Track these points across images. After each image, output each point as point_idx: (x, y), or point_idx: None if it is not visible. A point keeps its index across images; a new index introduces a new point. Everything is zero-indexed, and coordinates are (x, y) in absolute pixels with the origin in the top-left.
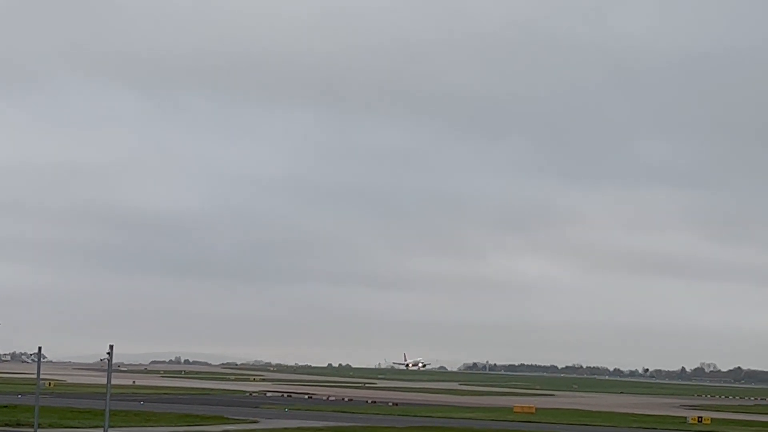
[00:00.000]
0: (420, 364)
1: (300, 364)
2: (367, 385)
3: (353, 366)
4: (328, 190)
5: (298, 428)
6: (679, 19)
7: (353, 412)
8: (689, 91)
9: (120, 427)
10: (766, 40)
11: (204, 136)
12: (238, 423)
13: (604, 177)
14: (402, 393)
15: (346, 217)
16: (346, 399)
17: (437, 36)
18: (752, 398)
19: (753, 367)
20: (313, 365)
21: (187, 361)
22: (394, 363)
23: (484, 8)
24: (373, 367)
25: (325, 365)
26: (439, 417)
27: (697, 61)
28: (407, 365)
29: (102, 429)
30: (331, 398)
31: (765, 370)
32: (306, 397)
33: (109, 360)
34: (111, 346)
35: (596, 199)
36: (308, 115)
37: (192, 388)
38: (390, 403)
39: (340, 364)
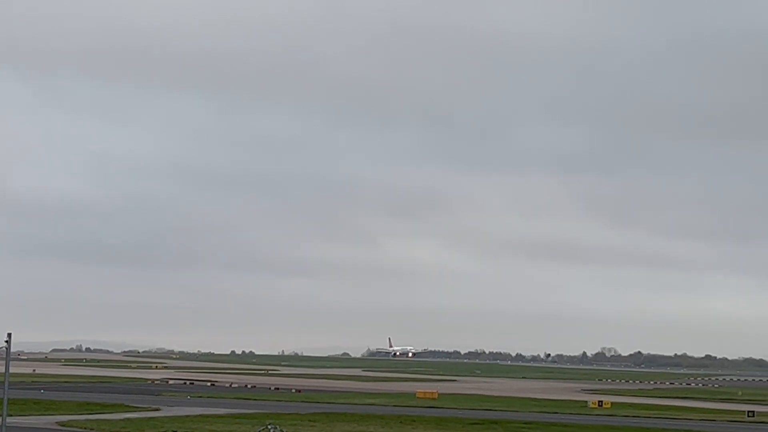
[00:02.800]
0: (410, 353)
1: (203, 351)
2: (270, 371)
3: (256, 353)
4: (217, 176)
5: (200, 415)
6: (566, 6)
7: (256, 399)
8: (576, 78)
9: (19, 416)
10: (654, 27)
11: (90, 123)
12: (140, 411)
13: (494, 163)
14: (305, 380)
15: (239, 204)
16: (248, 386)
17: (324, 23)
18: (652, 382)
19: (653, 352)
20: (216, 352)
21: (88, 349)
22: (378, 349)
23: None
24: (276, 353)
25: (228, 352)
26: (342, 403)
27: (584, 48)
28: (394, 353)
29: (0, 418)
30: (233, 385)
31: (664, 354)
32: (208, 384)
33: (7, 348)
34: (9, 334)
35: (487, 185)
36: (196, 102)
37: (93, 377)
38: (293, 390)
39: (243, 351)
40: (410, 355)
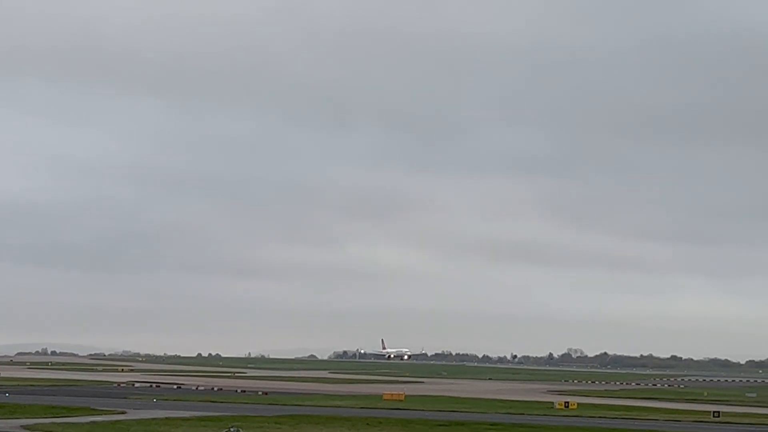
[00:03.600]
0: (406, 356)
1: (169, 354)
2: (236, 374)
3: (223, 355)
4: (177, 178)
5: (167, 418)
6: (524, 8)
7: (222, 402)
8: (535, 79)
9: None
10: (613, 29)
11: (48, 125)
12: (106, 414)
13: (454, 165)
14: (272, 382)
15: (200, 206)
16: (215, 388)
17: (281, 24)
18: (618, 383)
19: (619, 353)
20: (182, 355)
21: (54, 353)
22: (372, 352)
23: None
24: (243, 356)
25: (195, 355)
26: (309, 405)
27: (544, 49)
28: (388, 356)
29: None
30: (200, 388)
31: (630, 355)
32: (175, 387)
33: None
34: None
35: (448, 186)
36: (155, 104)
37: (59, 380)
38: (259, 392)
39: (210, 354)
40: (406, 357)
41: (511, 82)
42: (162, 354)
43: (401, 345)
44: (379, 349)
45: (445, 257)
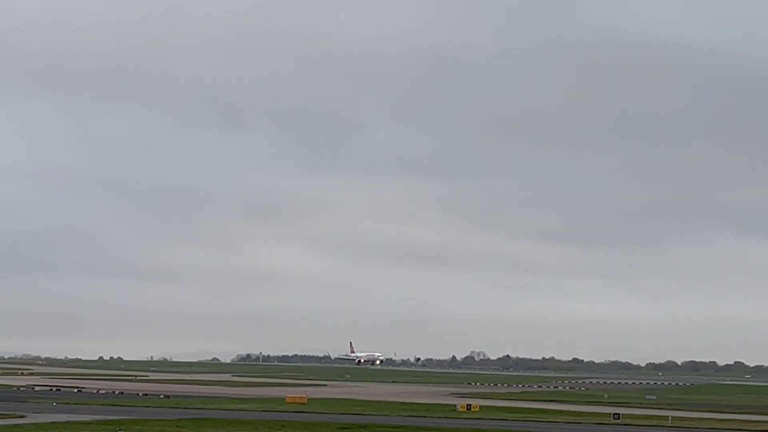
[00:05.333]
0: (378, 360)
1: (70, 357)
2: (138, 377)
3: (125, 359)
4: (72, 179)
5: (67, 422)
6: (413, 11)
7: (124, 405)
8: (430, 82)
9: None
10: (499, 34)
11: None
12: (4, 418)
13: (350, 167)
14: (174, 385)
15: (96, 207)
16: (116, 392)
17: (173, 26)
18: (520, 385)
19: (521, 355)
20: (84, 358)
21: None
22: (340, 356)
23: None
24: (145, 359)
25: (96, 358)
26: (211, 408)
27: (435, 53)
28: (359, 360)
29: None
30: (101, 391)
31: (533, 357)
32: (75, 390)
33: None
34: None
35: (345, 188)
36: (47, 104)
37: None
38: (162, 396)
39: (111, 357)
40: (378, 363)
41: (403, 84)
42: (63, 357)
43: (303, 349)
44: (347, 353)
45: (345, 259)
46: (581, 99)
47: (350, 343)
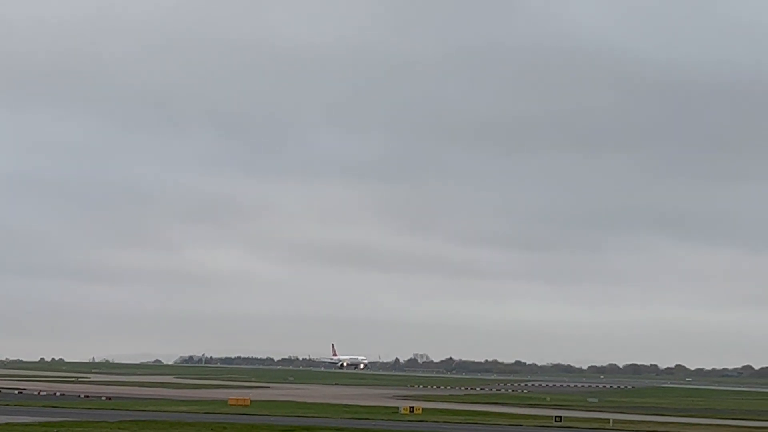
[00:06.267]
0: (362, 364)
1: (11, 358)
2: (80, 379)
3: (66, 360)
4: (10, 180)
5: (7, 424)
6: (354, 16)
7: (65, 407)
8: (366, 87)
9: None
10: (439, 40)
11: None
12: None
13: (289, 170)
14: (116, 387)
15: (33, 210)
16: (57, 393)
17: (110, 29)
18: (463, 388)
19: (464, 358)
20: (24, 360)
21: None
22: (322, 359)
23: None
24: (87, 361)
25: (37, 360)
26: (153, 410)
27: (373, 58)
28: (341, 364)
29: None
30: (42, 393)
31: (476, 360)
32: (16, 392)
33: None
34: None
35: (285, 191)
36: None
37: None
38: (103, 398)
39: (53, 359)
40: (362, 366)
41: (344, 88)
42: (3, 358)
43: (245, 351)
44: (329, 356)
45: (286, 262)
46: (521, 104)
47: (332, 345)
